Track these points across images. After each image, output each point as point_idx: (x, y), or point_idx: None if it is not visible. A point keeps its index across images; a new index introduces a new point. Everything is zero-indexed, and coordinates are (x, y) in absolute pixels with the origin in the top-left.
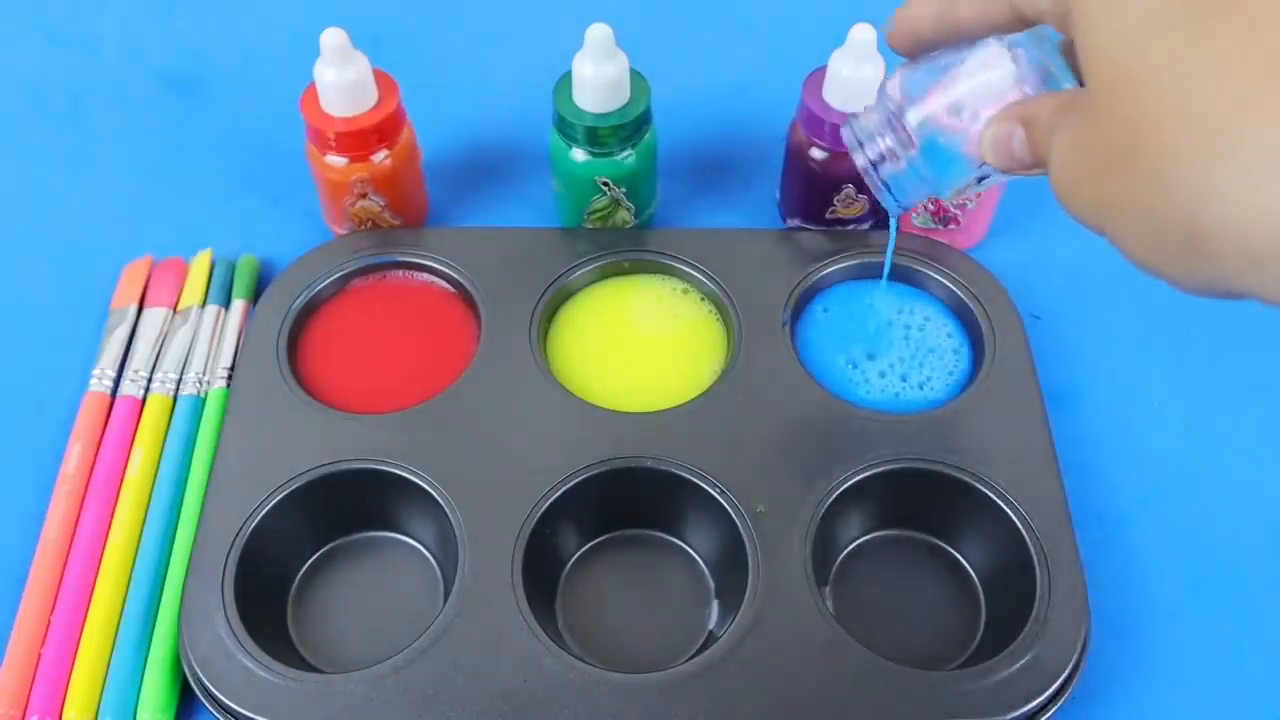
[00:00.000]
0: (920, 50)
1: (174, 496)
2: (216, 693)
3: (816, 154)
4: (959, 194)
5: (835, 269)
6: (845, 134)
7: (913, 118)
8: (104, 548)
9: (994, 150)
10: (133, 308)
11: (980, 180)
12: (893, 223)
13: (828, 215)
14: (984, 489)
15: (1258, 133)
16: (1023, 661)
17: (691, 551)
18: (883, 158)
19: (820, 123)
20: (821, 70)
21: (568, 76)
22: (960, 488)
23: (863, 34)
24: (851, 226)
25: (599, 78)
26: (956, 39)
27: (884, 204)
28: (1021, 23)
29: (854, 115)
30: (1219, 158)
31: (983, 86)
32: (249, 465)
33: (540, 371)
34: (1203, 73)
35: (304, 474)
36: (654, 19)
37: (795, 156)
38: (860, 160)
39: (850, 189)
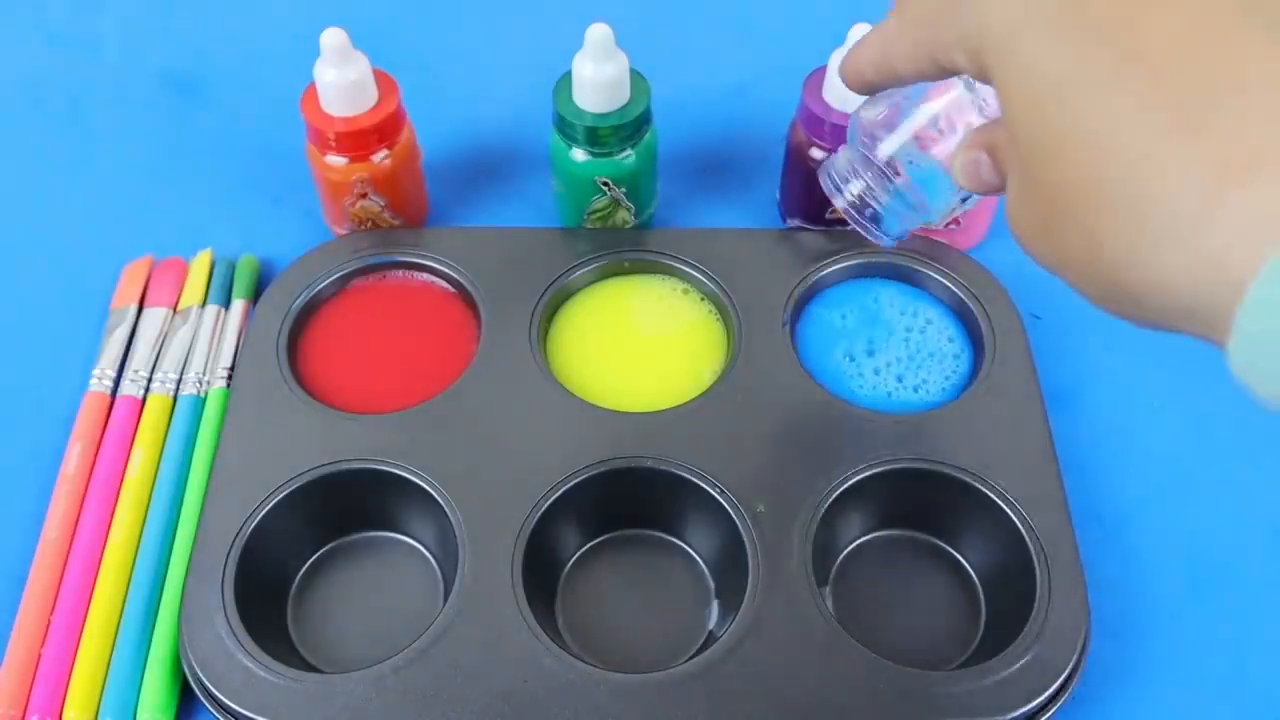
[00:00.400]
0: (868, 90)
1: (174, 496)
2: (216, 693)
3: (816, 154)
4: (948, 215)
5: (835, 269)
6: (822, 179)
7: (887, 149)
8: (104, 548)
9: (965, 176)
10: (133, 308)
11: (964, 200)
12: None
13: (828, 215)
14: (984, 489)
15: (1164, 196)
16: (1023, 661)
17: (691, 551)
18: (863, 196)
19: (820, 123)
20: (821, 70)
21: (568, 76)
22: (960, 488)
23: (859, 35)
24: (852, 227)
25: (599, 78)
26: (897, 83)
27: (874, 239)
28: (946, 74)
29: (826, 159)
30: (1133, 225)
31: (948, 107)
32: (249, 465)
33: (540, 371)
34: (1112, 141)
35: (304, 474)
36: (654, 19)
37: (795, 156)
38: (840, 202)
39: None
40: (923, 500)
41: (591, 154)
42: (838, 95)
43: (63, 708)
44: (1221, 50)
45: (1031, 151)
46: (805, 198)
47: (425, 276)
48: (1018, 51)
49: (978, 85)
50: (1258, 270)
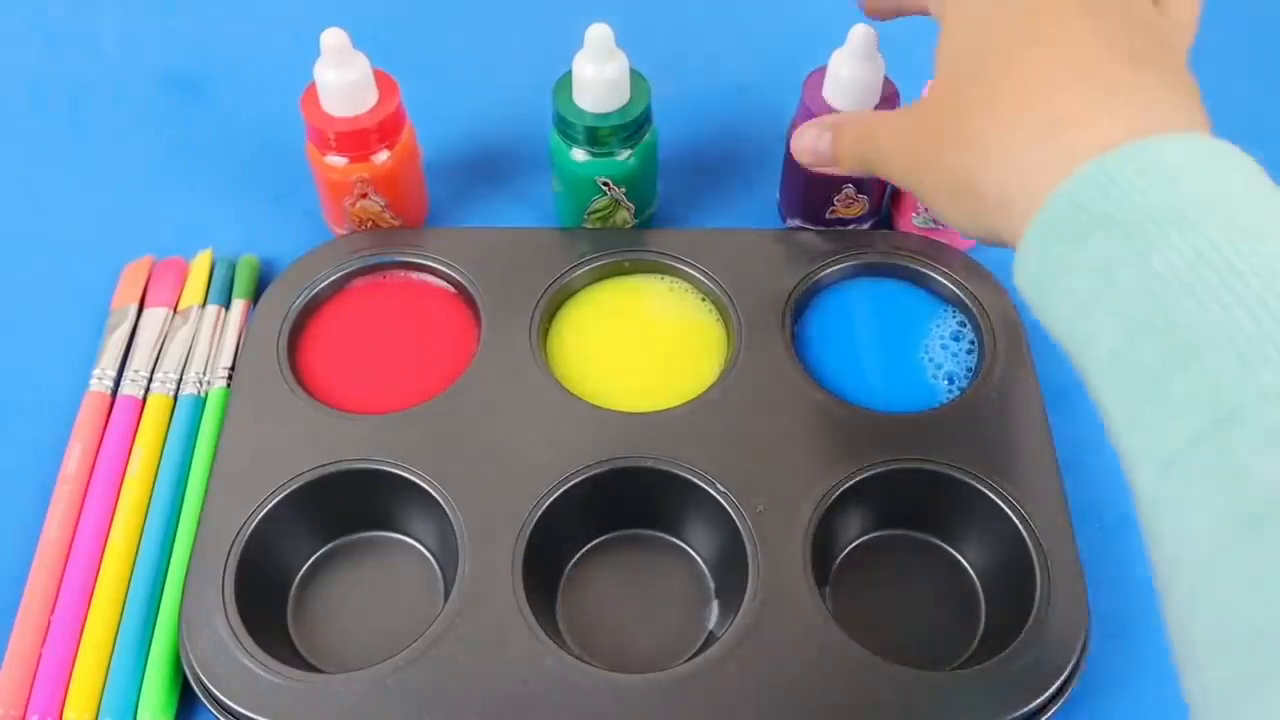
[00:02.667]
0: (882, 11)
1: (174, 496)
2: (216, 693)
3: None
4: None
5: (835, 269)
6: None
7: None
8: (104, 547)
9: (802, 149)
10: (133, 307)
11: None
12: None
13: (828, 215)
14: (984, 489)
15: (1018, 128)
16: (1023, 661)
17: (691, 551)
18: None
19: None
20: (822, 70)
21: (568, 76)
22: (960, 488)
23: (863, 34)
24: (852, 226)
25: (599, 78)
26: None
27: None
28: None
29: None
30: (994, 138)
31: None
32: (249, 465)
33: (540, 371)
34: (1003, 88)
35: (304, 474)
36: (654, 19)
37: (794, 158)
38: None
39: (850, 189)
40: (923, 500)
41: (591, 154)
42: (838, 95)
43: (63, 708)
44: (1096, 64)
45: (950, 82)
46: (805, 198)
47: (425, 276)
48: (967, 9)
49: None
50: (1058, 183)
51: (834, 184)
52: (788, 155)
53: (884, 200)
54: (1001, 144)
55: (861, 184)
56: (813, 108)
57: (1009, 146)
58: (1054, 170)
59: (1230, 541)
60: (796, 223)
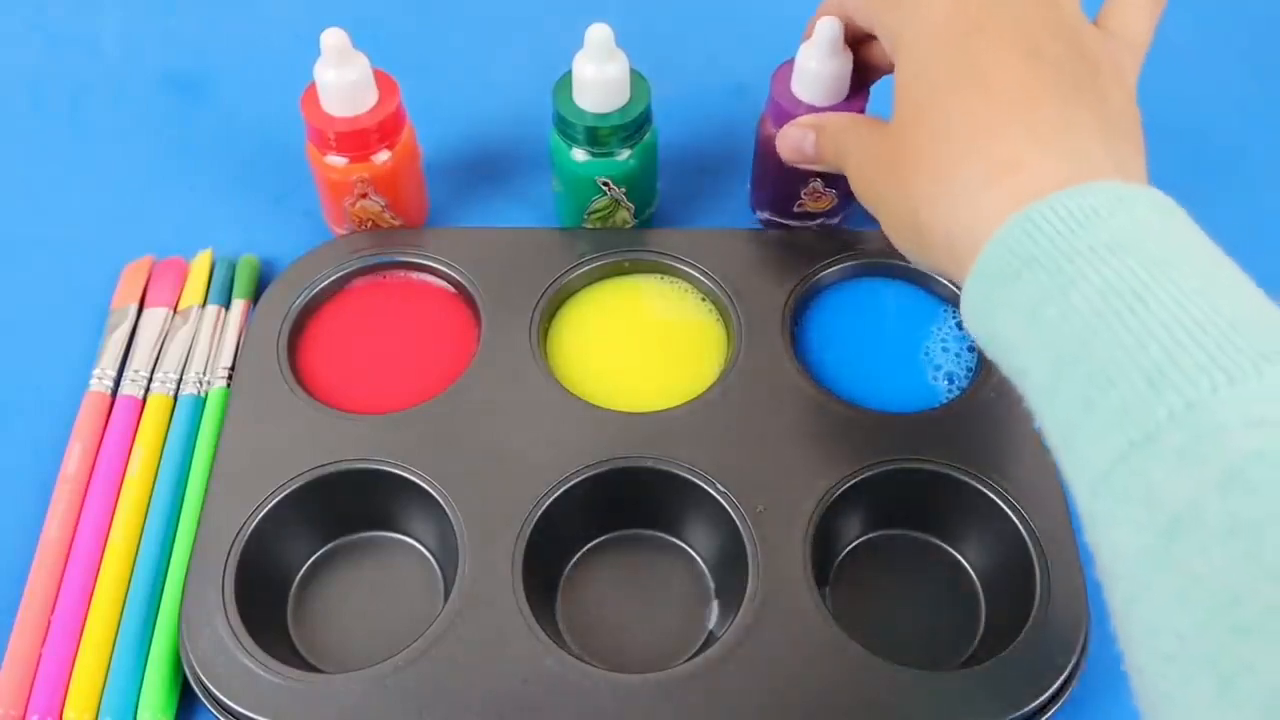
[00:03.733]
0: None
1: (174, 496)
2: (216, 693)
3: None
4: None
5: (835, 269)
6: None
7: None
8: (104, 547)
9: (787, 147)
10: (133, 307)
11: None
12: None
13: (795, 209)
14: (984, 489)
15: (958, 177)
16: (1023, 661)
17: (691, 551)
18: None
19: (788, 116)
20: (789, 63)
21: (568, 76)
22: (960, 488)
23: (828, 27)
24: (819, 221)
25: (599, 78)
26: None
27: None
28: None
29: None
30: (938, 185)
31: None
32: (249, 465)
33: (540, 371)
34: (944, 132)
35: (304, 474)
36: (654, 19)
37: (764, 149)
38: None
39: (818, 183)
40: (923, 500)
41: (591, 154)
42: (805, 89)
43: (63, 708)
44: (1032, 105)
45: (905, 120)
46: (773, 190)
47: (425, 276)
48: (915, 44)
49: None
50: (995, 231)
51: (801, 178)
52: (758, 148)
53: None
54: (945, 191)
55: (830, 178)
56: (782, 102)
57: (951, 194)
58: (990, 218)
59: (1150, 556)
60: (765, 215)
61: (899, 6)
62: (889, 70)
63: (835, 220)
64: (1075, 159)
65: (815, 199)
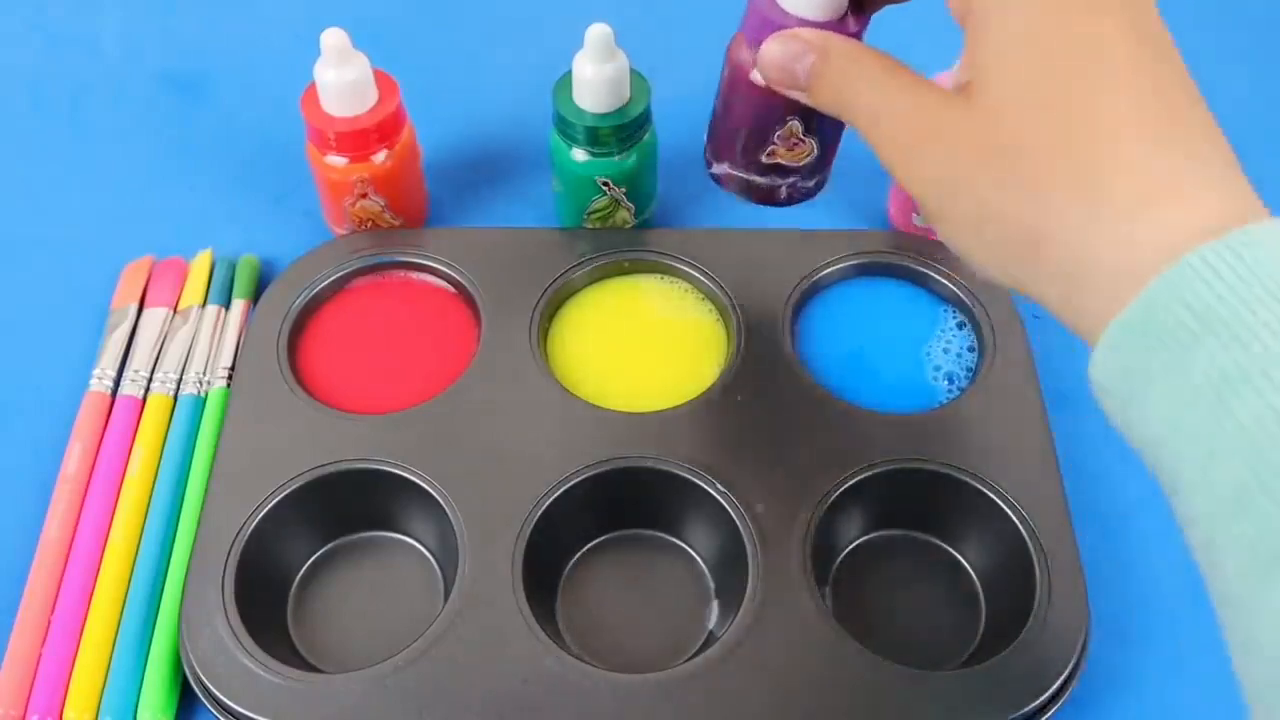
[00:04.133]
0: None
1: (174, 496)
2: (216, 693)
3: (757, 79)
4: None
5: (835, 269)
6: None
7: None
8: (104, 547)
9: (772, 63)
10: (133, 307)
11: None
12: None
13: (764, 159)
14: (984, 489)
15: (1104, 189)
16: (1023, 661)
17: (691, 551)
18: None
19: (772, 28)
20: None
21: (568, 76)
22: (960, 488)
23: None
24: (791, 181)
25: (599, 78)
26: None
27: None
28: None
29: None
30: (1076, 193)
31: None
32: (249, 465)
33: (540, 371)
34: (1079, 135)
35: (304, 474)
36: (654, 19)
37: (733, 79)
38: None
39: (795, 123)
40: (923, 500)
41: (591, 154)
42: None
43: (63, 708)
44: (1175, 111)
45: (1002, 96)
46: (739, 132)
47: (425, 276)
48: (1016, 4)
49: None
50: (1155, 271)
51: (778, 115)
52: (724, 79)
53: (835, 151)
54: (1082, 208)
55: (812, 119)
56: (765, 11)
57: (1091, 213)
58: (1147, 253)
59: None
60: (724, 169)
61: None
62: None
63: (810, 184)
64: (1232, 186)
65: (791, 147)
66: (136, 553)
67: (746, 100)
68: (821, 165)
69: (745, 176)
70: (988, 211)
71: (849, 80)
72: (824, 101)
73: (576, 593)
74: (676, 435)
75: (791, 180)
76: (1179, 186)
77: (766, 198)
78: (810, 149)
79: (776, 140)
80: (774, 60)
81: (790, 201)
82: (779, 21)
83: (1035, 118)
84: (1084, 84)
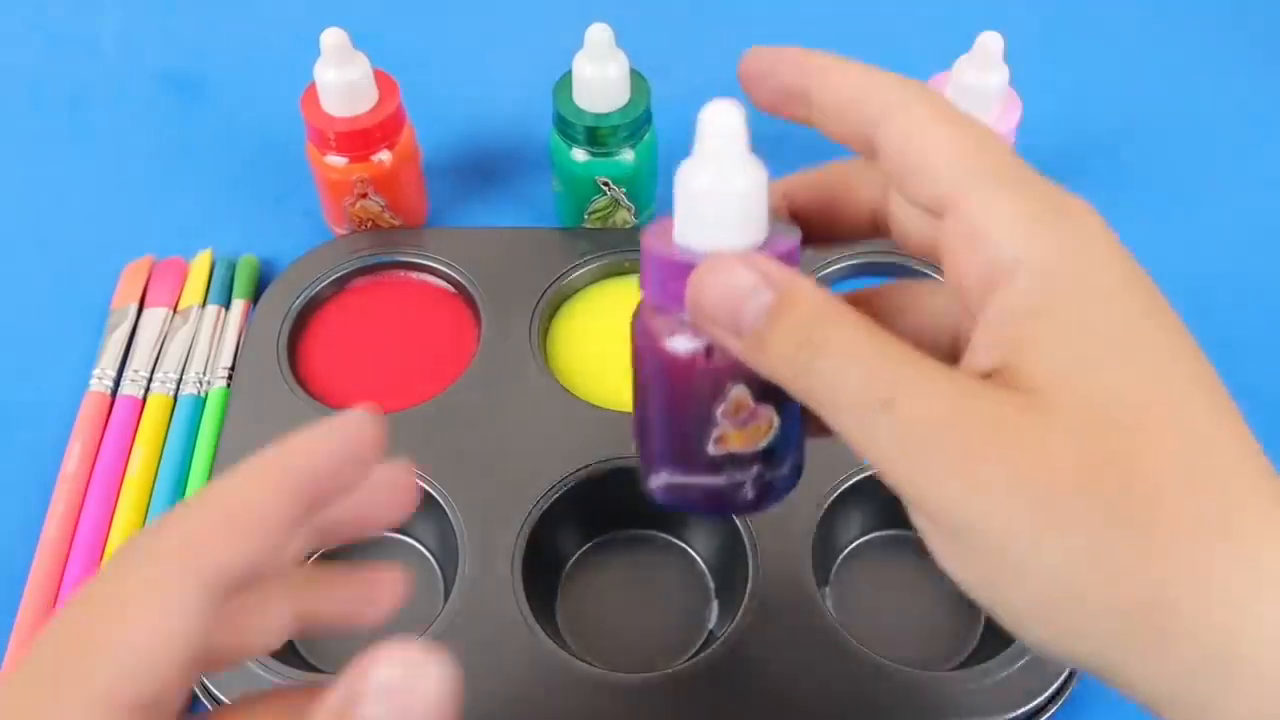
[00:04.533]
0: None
1: (174, 496)
2: (216, 692)
3: (678, 345)
4: None
5: (836, 268)
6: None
7: None
8: (104, 548)
9: (708, 301)
10: (133, 307)
11: None
12: None
13: (711, 451)
14: None
15: (1248, 545)
16: (1023, 661)
17: (691, 551)
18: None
19: (681, 275)
20: (666, 220)
21: (568, 76)
22: None
23: (722, 120)
24: (756, 469)
25: (599, 78)
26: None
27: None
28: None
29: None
30: (1207, 552)
31: None
32: None
33: (540, 371)
34: (1214, 462)
35: None
36: (654, 19)
37: (644, 355)
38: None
39: (742, 391)
40: None
41: (591, 154)
42: (697, 219)
43: None
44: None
45: (1082, 394)
46: (673, 427)
47: (425, 276)
48: (1077, 295)
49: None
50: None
51: (714, 388)
52: (638, 370)
53: (804, 420)
54: (1223, 564)
55: (760, 380)
56: (672, 257)
57: (1236, 571)
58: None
59: None
60: (663, 478)
61: (1026, 203)
62: (857, 231)
63: (783, 472)
64: None
65: (742, 424)
66: None
67: (669, 377)
68: (789, 442)
69: (693, 481)
70: (1088, 571)
71: (825, 356)
72: (778, 364)
73: (576, 593)
74: None
75: (756, 472)
76: None
77: (729, 503)
78: (769, 421)
79: (721, 420)
80: (712, 295)
81: (762, 503)
82: (687, 262)
83: (1159, 443)
84: (1189, 407)
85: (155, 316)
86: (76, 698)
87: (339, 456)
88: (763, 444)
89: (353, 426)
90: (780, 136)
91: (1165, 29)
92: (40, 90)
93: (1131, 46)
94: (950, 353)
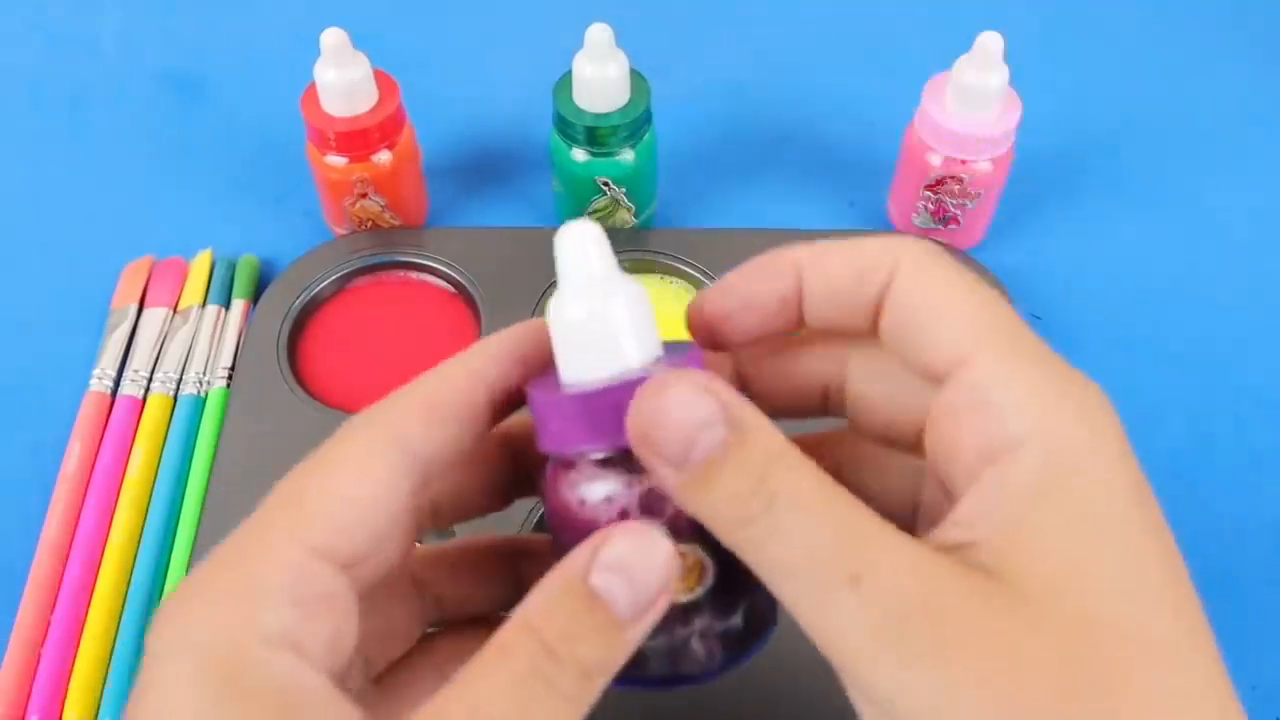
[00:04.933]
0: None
1: (174, 496)
2: None
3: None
4: None
5: None
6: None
7: None
8: (104, 548)
9: (656, 425)
10: (133, 307)
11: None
12: None
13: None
14: None
15: None
16: None
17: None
18: None
19: (583, 417)
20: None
21: (568, 76)
22: None
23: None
24: (702, 621)
25: (599, 78)
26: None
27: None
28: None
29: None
30: None
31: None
32: (249, 465)
33: None
34: (1191, 674)
35: None
36: (654, 19)
37: (554, 510)
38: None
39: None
40: None
41: (591, 154)
42: (575, 351)
43: (63, 708)
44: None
45: (1075, 613)
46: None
47: (425, 276)
48: (1075, 491)
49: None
50: None
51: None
52: (550, 525)
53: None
54: None
55: (692, 526)
56: (562, 404)
57: None
58: None
59: None
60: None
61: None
62: (802, 407)
63: (735, 621)
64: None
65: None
66: (136, 553)
67: (580, 526)
68: (734, 585)
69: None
70: None
71: (789, 496)
72: (721, 507)
73: None
74: None
75: (704, 623)
76: None
77: (681, 665)
78: (699, 564)
79: None
80: (666, 419)
81: (725, 662)
82: (626, 383)
83: (1142, 664)
84: (1184, 623)
85: (155, 316)
86: (283, 546)
87: (515, 359)
88: (698, 590)
89: (533, 331)
90: (781, 138)
91: (1165, 29)
92: (40, 90)
93: (1131, 46)
94: (908, 520)
